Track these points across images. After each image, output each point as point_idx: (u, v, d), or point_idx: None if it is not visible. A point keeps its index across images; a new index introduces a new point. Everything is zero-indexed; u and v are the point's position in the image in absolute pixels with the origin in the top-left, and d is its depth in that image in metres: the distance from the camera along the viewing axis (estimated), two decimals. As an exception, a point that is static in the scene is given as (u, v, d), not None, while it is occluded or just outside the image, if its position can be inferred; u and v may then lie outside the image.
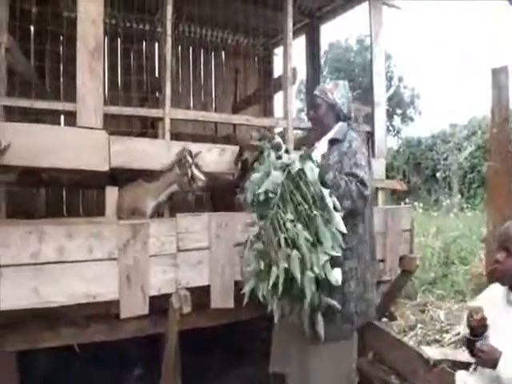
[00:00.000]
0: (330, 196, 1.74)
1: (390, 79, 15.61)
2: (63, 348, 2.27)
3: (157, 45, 4.63)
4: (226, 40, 5.09)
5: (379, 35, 3.40)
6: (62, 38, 4.15)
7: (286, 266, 1.63)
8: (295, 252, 1.64)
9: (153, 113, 2.42)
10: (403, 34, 22.26)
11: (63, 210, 4.22)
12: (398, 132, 16.88)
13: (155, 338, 2.52)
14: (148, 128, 2.79)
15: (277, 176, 1.71)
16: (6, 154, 1.93)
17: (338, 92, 2.15)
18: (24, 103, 2.17)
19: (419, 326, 3.26)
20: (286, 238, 1.65)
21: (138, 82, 4.24)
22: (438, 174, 10.88)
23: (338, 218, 1.72)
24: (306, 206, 1.68)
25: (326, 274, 1.68)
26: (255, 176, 1.79)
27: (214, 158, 2.60)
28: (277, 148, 1.86)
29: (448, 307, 3.70)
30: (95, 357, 2.77)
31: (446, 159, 10.76)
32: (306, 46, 4.51)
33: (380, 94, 3.44)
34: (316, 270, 1.65)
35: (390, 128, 16.09)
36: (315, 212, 1.67)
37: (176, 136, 2.64)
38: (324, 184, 1.77)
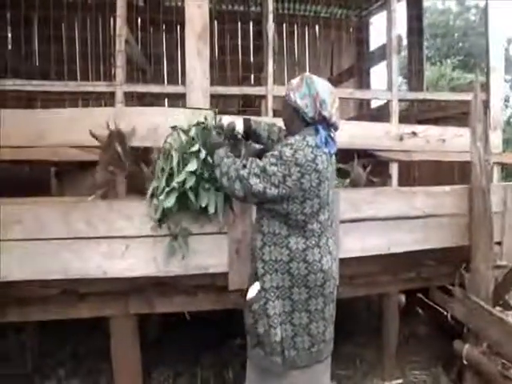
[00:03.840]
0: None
1: (497, 41, 13.84)
2: (175, 314, 2.45)
3: (251, 24, 4.66)
4: (319, 13, 4.92)
5: (497, -13, 3.01)
6: (164, 26, 4.37)
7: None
8: None
9: (256, 91, 2.44)
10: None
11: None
12: (507, 100, 15.02)
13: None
14: (248, 106, 2.83)
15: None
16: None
17: (300, 91, 1.70)
18: (141, 88, 2.34)
19: (542, 317, 2.94)
20: None
21: (234, 62, 4.32)
22: (560, 148, 9.52)
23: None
24: None
25: None
26: None
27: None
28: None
29: None
30: (202, 324, 2.97)
31: None
32: (408, 11, 4.17)
33: (497, 57, 3.06)
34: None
35: (497, 96, 14.35)
36: None
37: (275, 112, 2.64)
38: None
